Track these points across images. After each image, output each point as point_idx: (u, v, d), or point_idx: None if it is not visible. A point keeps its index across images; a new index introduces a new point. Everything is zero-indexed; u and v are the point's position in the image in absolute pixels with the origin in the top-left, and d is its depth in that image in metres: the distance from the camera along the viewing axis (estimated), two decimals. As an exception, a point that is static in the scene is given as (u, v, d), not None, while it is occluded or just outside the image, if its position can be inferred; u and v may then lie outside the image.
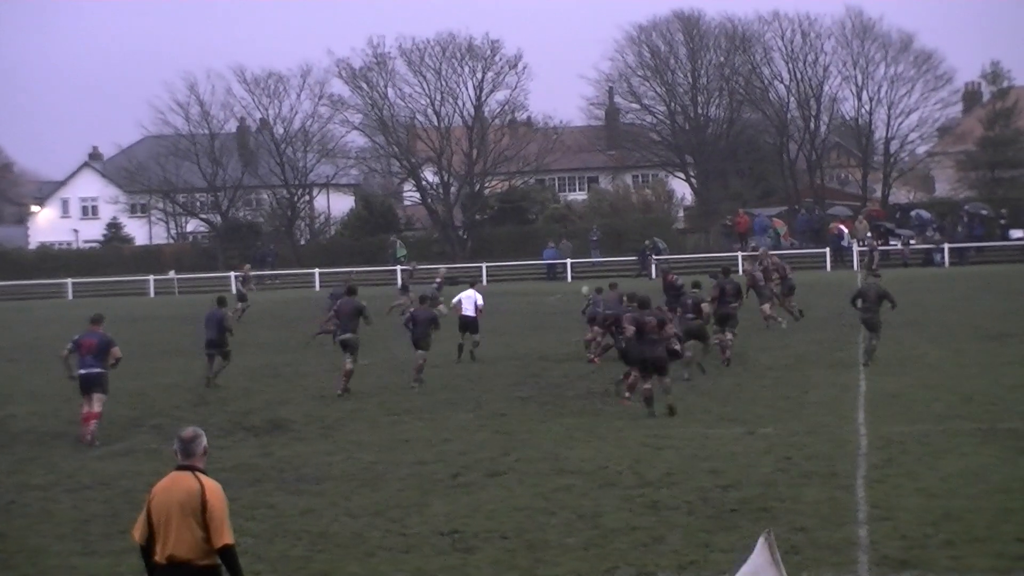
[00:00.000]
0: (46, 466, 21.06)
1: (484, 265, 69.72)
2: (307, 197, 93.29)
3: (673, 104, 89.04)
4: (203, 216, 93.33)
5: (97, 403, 23.13)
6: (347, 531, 15.76)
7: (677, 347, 25.29)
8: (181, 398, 28.49)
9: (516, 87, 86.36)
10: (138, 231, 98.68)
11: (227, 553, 10.00)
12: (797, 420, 22.09)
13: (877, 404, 23.36)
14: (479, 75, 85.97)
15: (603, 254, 74.36)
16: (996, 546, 13.65)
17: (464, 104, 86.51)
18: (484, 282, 63.74)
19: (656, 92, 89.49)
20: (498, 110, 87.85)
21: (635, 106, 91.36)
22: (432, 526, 15.74)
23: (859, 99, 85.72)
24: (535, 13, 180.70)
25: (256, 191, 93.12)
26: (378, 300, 53.02)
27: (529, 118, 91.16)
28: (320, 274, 75.18)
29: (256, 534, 15.62)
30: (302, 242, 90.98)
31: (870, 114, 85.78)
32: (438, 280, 45.40)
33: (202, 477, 10.13)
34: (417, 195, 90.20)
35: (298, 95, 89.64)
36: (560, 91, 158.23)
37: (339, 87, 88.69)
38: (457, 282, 62.42)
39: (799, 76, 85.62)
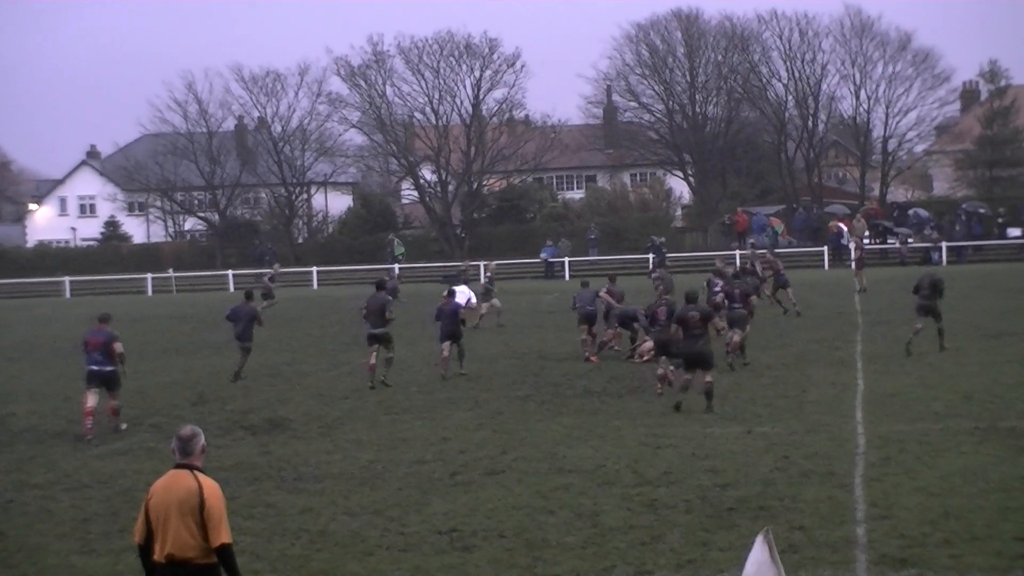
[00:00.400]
0: (45, 465, 21.06)
1: (482, 263, 69.66)
2: (305, 196, 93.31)
3: (671, 103, 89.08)
4: (201, 215, 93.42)
5: (110, 400, 23.82)
6: (346, 530, 15.76)
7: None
8: (180, 397, 28.50)
9: (514, 85, 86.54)
10: (136, 229, 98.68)
11: (224, 552, 10.00)
12: (796, 419, 22.10)
13: (876, 403, 23.36)
14: (477, 73, 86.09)
15: (601, 253, 74.38)
16: (995, 545, 13.66)
17: (462, 102, 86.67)
18: (482, 280, 63.67)
19: (654, 91, 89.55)
20: (496, 108, 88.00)
21: (633, 105, 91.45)
22: (431, 525, 15.75)
23: (857, 98, 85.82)
24: (533, 12, 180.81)
25: (254, 189, 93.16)
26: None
27: (527, 116, 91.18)
28: (318, 272, 75.18)
29: (255, 533, 15.63)
30: (300, 241, 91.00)
31: (868, 113, 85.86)
32: (488, 275, 45.83)
33: (200, 476, 10.13)
34: (415, 193, 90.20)
35: (296, 93, 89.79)
36: (558, 90, 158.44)
37: (337, 85, 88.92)
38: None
39: (797, 75, 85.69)
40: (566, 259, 72.17)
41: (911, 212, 75.45)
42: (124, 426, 23.99)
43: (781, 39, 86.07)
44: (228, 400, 27.75)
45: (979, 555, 13.33)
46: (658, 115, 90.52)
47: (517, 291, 58.20)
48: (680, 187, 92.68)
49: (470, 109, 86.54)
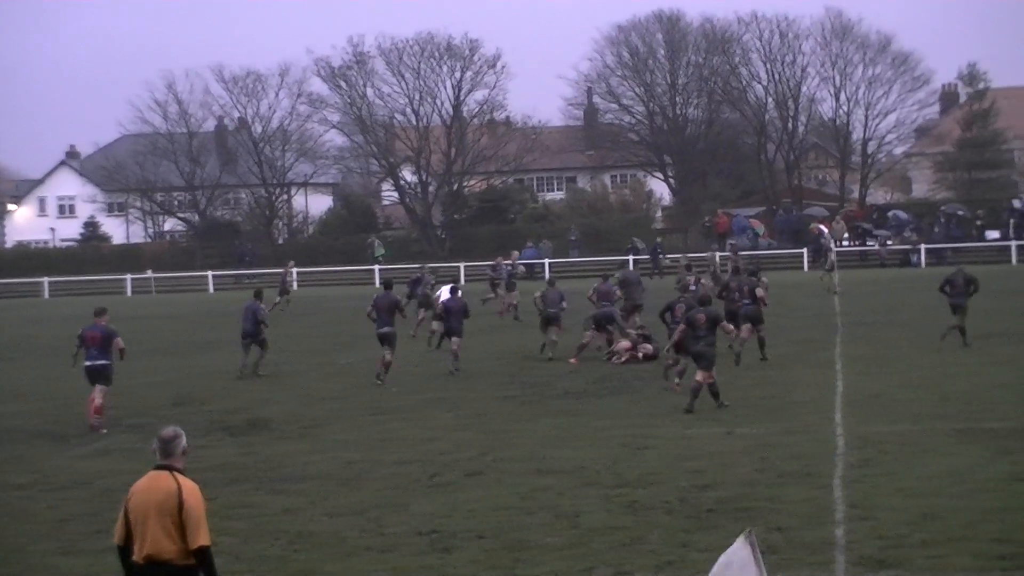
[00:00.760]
0: (27, 465, 21.01)
1: (463, 264, 69.67)
2: (285, 196, 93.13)
3: (652, 104, 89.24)
4: (181, 215, 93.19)
5: (99, 395, 23.96)
6: (326, 531, 15.75)
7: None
8: (161, 397, 28.42)
9: (495, 87, 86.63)
10: (116, 230, 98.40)
11: (202, 555, 9.97)
12: (777, 420, 22.15)
13: (856, 404, 23.43)
14: (458, 74, 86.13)
15: (582, 254, 74.42)
16: (974, 546, 13.70)
17: (443, 103, 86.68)
18: (463, 281, 63.65)
19: (635, 92, 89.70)
20: (477, 110, 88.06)
21: (614, 106, 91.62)
22: (411, 526, 15.74)
23: (837, 100, 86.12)
24: (514, 13, 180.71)
25: (234, 190, 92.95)
26: (356, 300, 53.04)
27: (508, 118, 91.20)
28: (298, 273, 75.07)
29: (235, 533, 15.61)
30: (280, 241, 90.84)
31: (848, 115, 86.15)
32: (509, 263, 46.64)
33: (180, 477, 10.11)
34: (396, 194, 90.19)
35: (277, 94, 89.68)
36: (539, 91, 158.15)
37: (318, 86, 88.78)
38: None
39: (777, 77, 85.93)
40: (547, 260, 72.18)
41: (891, 214, 75.74)
42: (104, 431, 23.82)
43: (761, 41, 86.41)
44: (209, 401, 27.70)
45: (958, 556, 13.38)
46: (639, 117, 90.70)
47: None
48: (661, 189, 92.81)
49: (451, 110, 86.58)
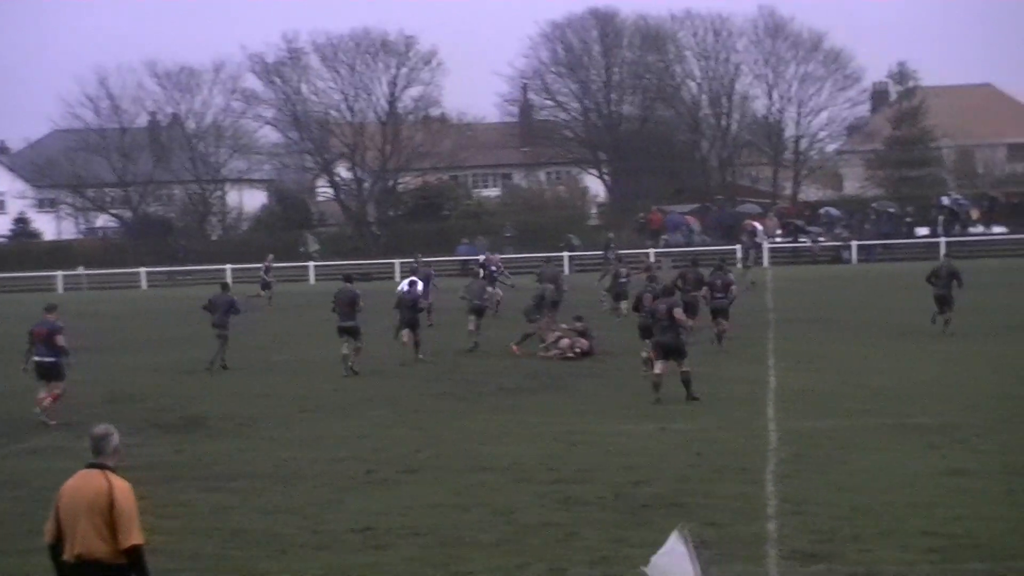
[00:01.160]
0: (-46, 465, 20.77)
1: (397, 261, 69.51)
2: (219, 193, 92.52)
3: (587, 101, 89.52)
4: (114, 211, 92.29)
5: (51, 390, 24.29)
6: (260, 528, 15.70)
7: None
8: (94, 395, 28.14)
9: (430, 83, 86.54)
10: (47, 227, 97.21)
11: (134, 553, 9.91)
12: (710, 416, 22.31)
13: (788, 400, 23.64)
14: (393, 71, 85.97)
15: (517, 250, 74.49)
16: (903, 539, 13.88)
17: (378, 100, 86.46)
18: (398, 278, 63.50)
19: (570, 89, 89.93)
20: (412, 106, 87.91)
21: (549, 103, 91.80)
22: (346, 523, 15.72)
23: (770, 97, 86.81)
24: (450, 9, 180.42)
25: (167, 186, 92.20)
26: (289, 296, 52.88)
27: (443, 114, 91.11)
28: (232, 270, 74.63)
29: (168, 532, 15.49)
30: (214, 238, 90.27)
31: (781, 112, 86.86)
32: (494, 266, 47.09)
33: (111, 476, 10.03)
34: (331, 191, 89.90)
35: (210, 90, 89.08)
36: (474, 87, 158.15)
37: (252, 82, 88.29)
38: (371, 278, 62.43)
39: (711, 74, 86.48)
40: (482, 257, 72.08)
41: (823, 211, 76.41)
42: (53, 422, 23.92)
43: (695, 39, 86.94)
44: (142, 398, 27.50)
45: (887, 549, 13.54)
46: (574, 113, 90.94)
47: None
48: (595, 186, 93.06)
49: (386, 106, 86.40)
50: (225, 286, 34.41)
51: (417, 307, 32.68)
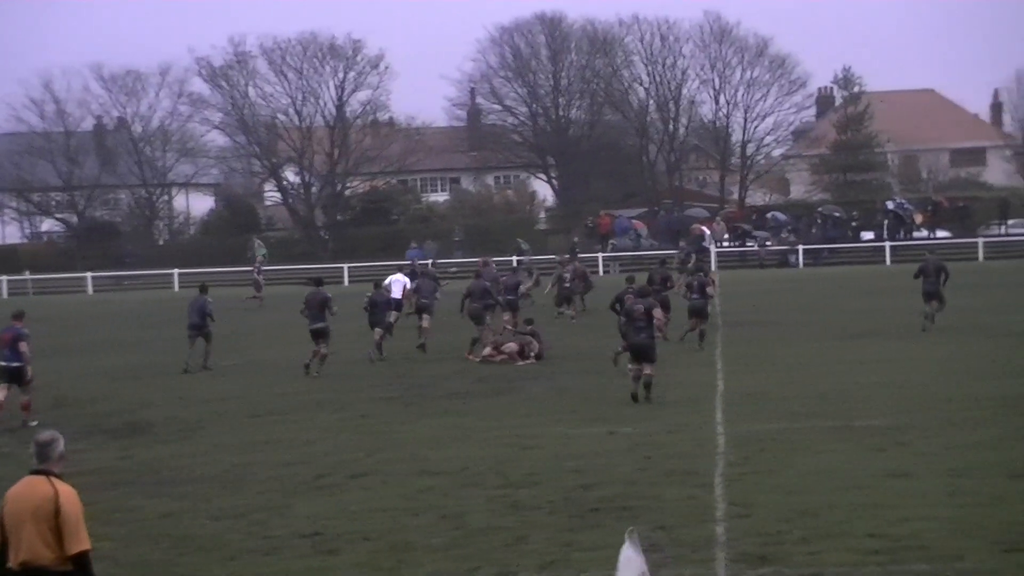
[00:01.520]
0: None
1: (346, 266, 69.39)
2: (166, 197, 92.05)
3: (535, 106, 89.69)
4: (59, 216, 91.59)
5: (18, 392, 24.83)
6: (208, 534, 15.63)
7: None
8: (39, 400, 27.83)
9: (378, 87, 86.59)
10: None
11: (81, 560, 9.84)
12: (658, 419, 22.37)
13: (736, 403, 23.74)
14: (341, 75, 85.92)
15: (467, 254, 74.47)
16: (849, 541, 13.97)
17: (326, 104, 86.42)
18: (347, 283, 63.48)
19: (518, 93, 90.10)
20: (360, 110, 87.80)
21: (497, 107, 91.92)
22: (295, 528, 15.67)
23: (717, 102, 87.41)
24: (397, 13, 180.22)
25: (114, 190, 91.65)
26: (238, 300, 52.59)
27: (391, 118, 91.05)
28: (179, 275, 74.25)
29: (115, 538, 15.41)
30: (161, 242, 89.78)
31: (727, 117, 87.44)
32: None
33: (56, 482, 9.96)
34: (279, 195, 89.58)
35: (157, 93, 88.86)
36: (422, 91, 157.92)
37: (199, 85, 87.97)
38: (322, 283, 62.01)
39: (658, 79, 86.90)
40: (430, 261, 72.09)
41: (769, 215, 76.88)
42: (34, 422, 23.98)
43: (643, 43, 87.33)
44: (88, 403, 27.32)
45: (834, 551, 13.63)
46: (522, 118, 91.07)
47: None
48: (544, 190, 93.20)
49: (334, 111, 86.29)
50: (203, 288, 34.73)
51: (389, 308, 33.77)
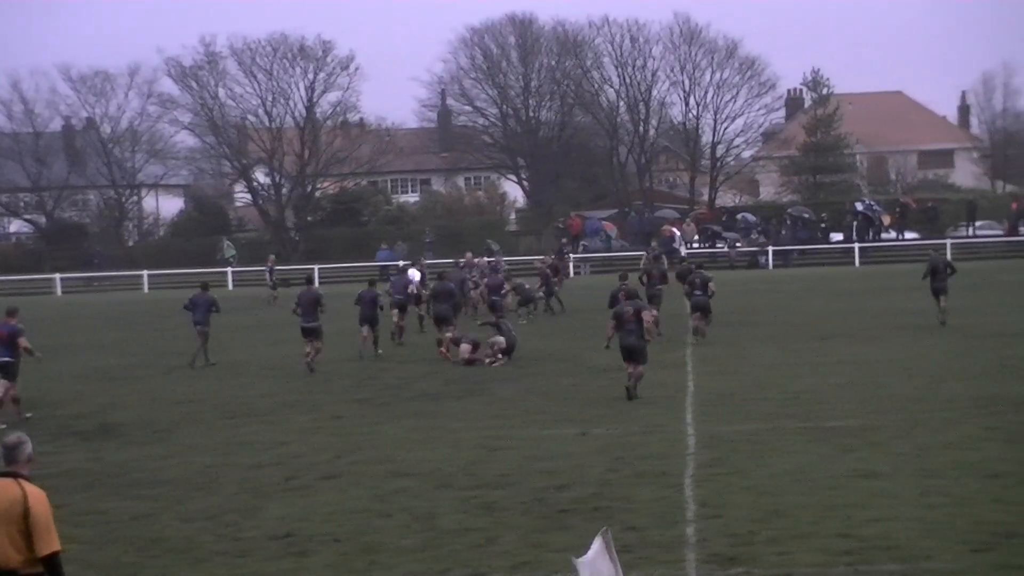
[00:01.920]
0: None
1: (317, 267, 69.28)
2: (135, 198, 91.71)
3: (505, 107, 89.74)
4: (27, 217, 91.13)
5: (1, 389, 24.98)
6: (180, 536, 15.59)
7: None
8: (8, 405, 27.72)
9: (348, 88, 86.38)
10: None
11: (51, 562, 9.80)
12: (630, 420, 22.41)
13: (707, 404, 23.81)
14: (311, 76, 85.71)
15: (437, 255, 74.44)
16: (820, 541, 14.04)
17: (296, 105, 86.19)
18: (317, 284, 63.25)
19: (488, 95, 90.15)
20: (330, 111, 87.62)
21: (468, 108, 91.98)
22: (266, 530, 15.65)
23: (686, 104, 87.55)
24: (368, 14, 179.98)
25: (83, 191, 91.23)
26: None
27: (362, 119, 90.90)
28: (149, 276, 74.01)
29: (86, 540, 15.36)
30: (130, 243, 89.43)
31: (697, 119, 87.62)
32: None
33: (25, 484, 9.91)
34: (249, 196, 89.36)
35: (126, 94, 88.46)
36: (393, 93, 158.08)
37: (168, 86, 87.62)
38: (290, 284, 61.98)
39: (628, 80, 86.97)
40: (401, 262, 72.00)
41: (739, 216, 77.08)
42: (28, 415, 24.87)
43: (613, 45, 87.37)
44: (58, 405, 27.21)
45: (804, 552, 13.70)
46: (492, 119, 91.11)
47: (352, 294, 57.78)
48: (515, 191, 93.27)
49: (304, 111, 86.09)
50: (205, 286, 35.50)
51: (376, 304, 34.02)
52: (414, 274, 40.46)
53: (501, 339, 31.73)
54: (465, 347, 31.80)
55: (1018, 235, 73.09)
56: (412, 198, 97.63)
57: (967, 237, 73.79)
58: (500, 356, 31.27)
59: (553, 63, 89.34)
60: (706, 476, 17.53)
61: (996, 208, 78.43)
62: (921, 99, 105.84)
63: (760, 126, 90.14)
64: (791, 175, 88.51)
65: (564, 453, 19.67)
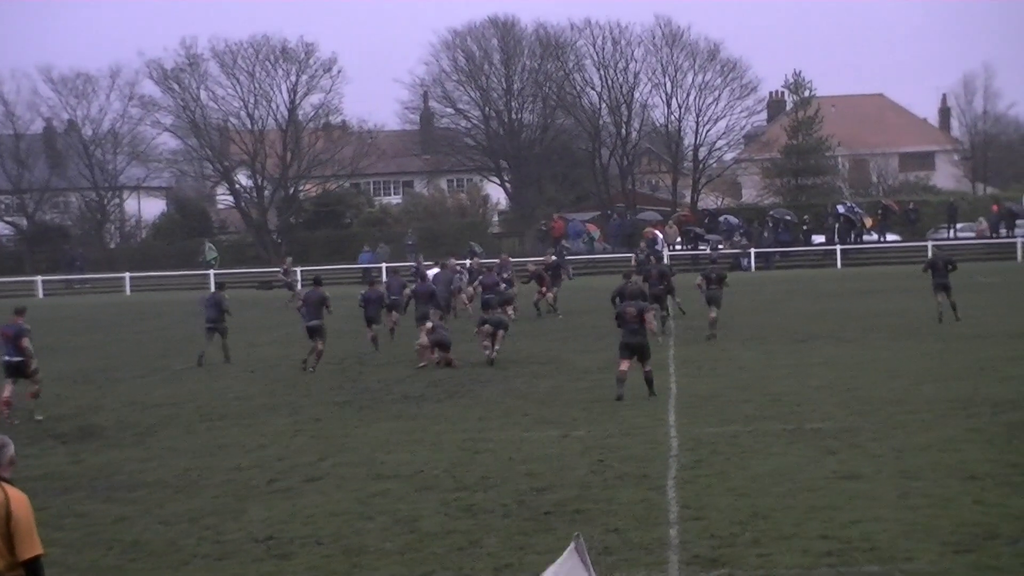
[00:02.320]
0: None
1: (299, 269, 69.15)
2: (117, 200, 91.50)
3: (488, 109, 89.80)
4: (8, 219, 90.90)
5: (8, 390, 25.44)
6: (161, 539, 15.55)
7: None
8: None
9: (331, 90, 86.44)
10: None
11: (33, 566, 9.77)
12: (612, 422, 22.42)
13: (688, 406, 23.82)
14: (293, 78, 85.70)
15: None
16: (802, 543, 14.06)
17: (278, 107, 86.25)
18: (299, 286, 63.15)
19: (471, 97, 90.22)
20: (312, 113, 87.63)
21: (450, 111, 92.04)
22: (248, 532, 15.62)
23: (668, 106, 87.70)
24: (350, 16, 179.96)
25: (64, 193, 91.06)
26: (190, 304, 52.28)
27: (344, 122, 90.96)
28: (131, 278, 73.83)
29: (66, 544, 15.31)
30: (112, 246, 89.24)
31: (679, 121, 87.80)
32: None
33: (6, 487, 9.87)
34: (231, 198, 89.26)
35: (107, 96, 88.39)
36: (375, 95, 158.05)
37: (150, 88, 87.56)
38: (272, 287, 61.99)
39: (610, 83, 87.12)
40: (383, 265, 72.05)
41: (722, 219, 77.28)
42: (40, 417, 25.10)
43: (595, 47, 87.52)
44: (39, 408, 27.04)
45: (786, 554, 13.71)
46: (475, 121, 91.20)
47: (335, 296, 57.72)
48: (497, 193, 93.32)
49: (286, 114, 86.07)
50: (221, 286, 37.60)
51: (381, 304, 35.81)
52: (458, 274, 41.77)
53: (488, 326, 31.67)
54: (424, 339, 31.71)
55: (999, 237, 73.42)
56: (394, 200, 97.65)
57: (948, 239, 74.05)
58: (488, 343, 31.30)
59: (535, 65, 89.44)
60: (688, 478, 17.54)
61: (976, 211, 78.79)
62: (902, 101, 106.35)
63: (742, 128, 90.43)
64: (773, 177, 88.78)
65: (546, 455, 19.67)
